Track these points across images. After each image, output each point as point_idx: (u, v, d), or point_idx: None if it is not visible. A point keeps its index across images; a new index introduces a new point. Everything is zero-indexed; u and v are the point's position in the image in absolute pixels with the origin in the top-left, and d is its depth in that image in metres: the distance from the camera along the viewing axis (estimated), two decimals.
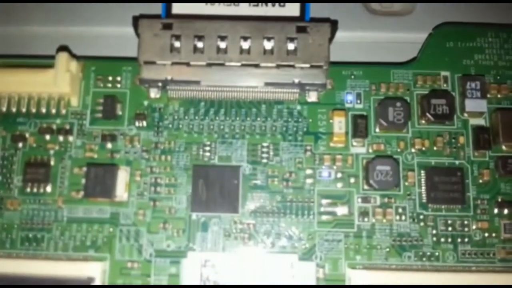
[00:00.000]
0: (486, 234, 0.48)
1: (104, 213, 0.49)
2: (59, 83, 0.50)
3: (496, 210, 0.48)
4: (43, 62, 0.51)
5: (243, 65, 0.50)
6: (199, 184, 0.49)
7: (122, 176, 0.49)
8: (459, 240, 0.48)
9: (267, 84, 0.50)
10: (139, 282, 0.47)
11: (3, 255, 0.48)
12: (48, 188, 0.49)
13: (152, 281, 0.47)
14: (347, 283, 0.47)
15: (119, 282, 0.47)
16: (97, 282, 0.46)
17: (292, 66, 0.49)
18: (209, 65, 0.50)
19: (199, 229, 0.48)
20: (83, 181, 0.49)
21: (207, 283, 0.47)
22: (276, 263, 0.47)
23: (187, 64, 0.50)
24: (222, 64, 0.50)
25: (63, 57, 0.50)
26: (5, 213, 0.49)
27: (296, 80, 0.50)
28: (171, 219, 0.49)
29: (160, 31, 0.50)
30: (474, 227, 0.48)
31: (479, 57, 0.52)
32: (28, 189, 0.49)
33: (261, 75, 0.50)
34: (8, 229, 0.48)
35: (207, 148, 0.50)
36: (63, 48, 0.53)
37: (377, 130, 0.50)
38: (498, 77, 0.51)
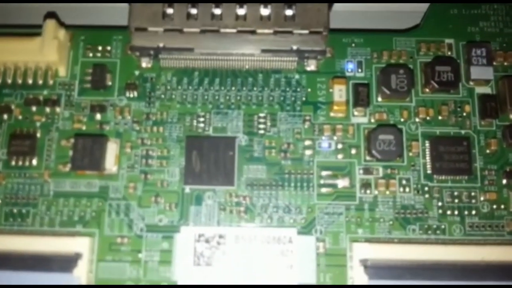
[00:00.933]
0: (495, 206, 0.45)
1: (92, 187, 0.46)
2: (46, 50, 0.48)
3: (504, 181, 0.46)
4: (31, 31, 0.49)
5: (238, 31, 0.48)
6: (193, 156, 0.46)
7: (112, 148, 0.47)
8: (466, 212, 0.45)
9: (264, 51, 0.48)
10: (129, 258, 0.45)
11: None
12: (34, 161, 0.47)
13: (143, 257, 0.45)
14: (348, 257, 0.44)
15: (108, 258, 0.45)
16: (85, 258, 0.44)
17: (290, 32, 0.47)
18: (203, 31, 0.48)
19: (193, 203, 0.46)
20: (71, 153, 0.47)
21: (201, 259, 0.45)
22: (274, 237, 0.45)
23: (180, 31, 0.48)
24: (216, 31, 0.48)
25: (50, 24, 0.48)
26: None
27: (295, 47, 0.48)
28: (163, 192, 0.46)
29: None
30: (482, 198, 0.46)
31: (484, 24, 0.50)
32: (13, 162, 0.47)
33: (258, 41, 0.48)
34: None
35: (201, 119, 0.48)
36: (51, 15, 0.50)
37: (379, 99, 0.48)
38: (504, 45, 0.49)
